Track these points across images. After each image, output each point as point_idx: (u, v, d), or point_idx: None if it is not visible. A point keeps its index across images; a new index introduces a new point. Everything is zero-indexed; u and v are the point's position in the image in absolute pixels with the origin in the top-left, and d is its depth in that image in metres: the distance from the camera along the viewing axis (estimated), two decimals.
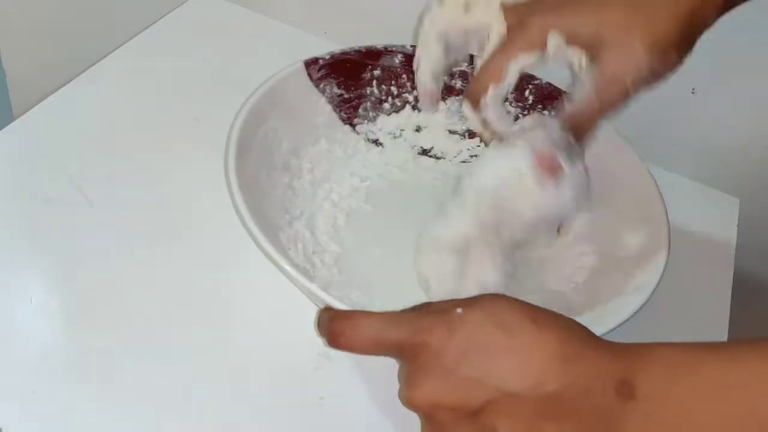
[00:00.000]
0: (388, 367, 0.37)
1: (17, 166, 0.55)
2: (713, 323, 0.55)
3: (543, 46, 0.44)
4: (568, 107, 0.45)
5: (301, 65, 0.56)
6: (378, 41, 0.60)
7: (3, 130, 0.56)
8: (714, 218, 0.64)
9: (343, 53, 0.58)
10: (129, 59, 0.65)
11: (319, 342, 0.37)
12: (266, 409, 0.44)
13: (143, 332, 0.47)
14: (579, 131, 0.45)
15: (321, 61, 0.57)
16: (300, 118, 0.56)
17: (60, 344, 0.46)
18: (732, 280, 0.59)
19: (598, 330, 0.35)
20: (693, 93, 0.63)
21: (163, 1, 0.72)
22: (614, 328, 0.42)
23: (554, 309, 0.35)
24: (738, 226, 0.64)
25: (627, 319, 0.43)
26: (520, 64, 0.45)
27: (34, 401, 0.42)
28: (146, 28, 0.68)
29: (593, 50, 0.43)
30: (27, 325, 0.46)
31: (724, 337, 0.54)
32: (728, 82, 0.62)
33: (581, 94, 0.44)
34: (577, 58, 0.44)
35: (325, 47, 0.64)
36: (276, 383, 0.46)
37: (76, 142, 0.57)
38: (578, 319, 0.34)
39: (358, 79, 0.59)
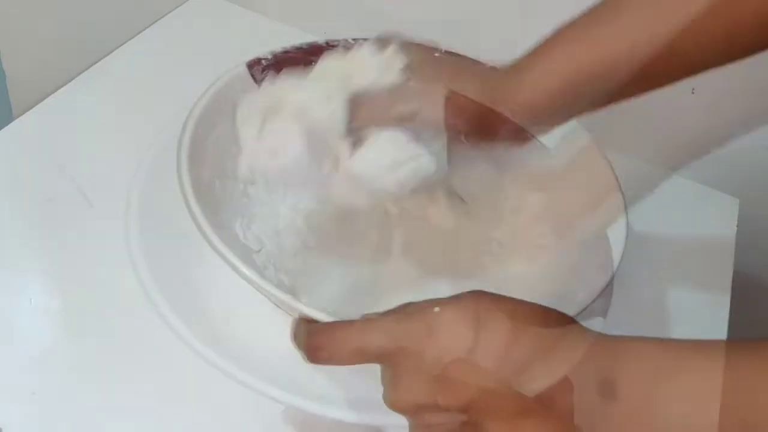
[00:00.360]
0: None
1: (17, 166, 0.55)
2: (713, 323, 0.55)
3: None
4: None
5: (243, 68, 0.55)
6: None
7: (3, 130, 0.56)
8: (714, 218, 0.64)
9: (285, 52, 0.57)
10: (128, 60, 0.65)
11: None
12: (267, 408, 0.44)
13: (143, 332, 0.46)
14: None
15: (264, 62, 0.56)
16: None
17: (59, 345, 0.46)
18: (731, 280, 0.59)
19: (570, 310, 0.35)
20: (693, 93, 0.63)
21: (162, 2, 0.72)
22: (585, 308, 0.42)
23: (517, 290, 0.35)
24: (737, 226, 0.64)
25: (595, 299, 0.43)
26: None
27: (34, 401, 0.42)
28: (146, 28, 0.68)
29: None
30: (26, 326, 0.46)
31: (724, 337, 0.54)
32: (728, 82, 0.62)
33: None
34: None
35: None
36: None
37: (75, 142, 0.57)
38: (546, 301, 0.34)
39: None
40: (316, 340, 0.35)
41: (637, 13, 0.41)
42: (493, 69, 0.46)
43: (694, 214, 0.61)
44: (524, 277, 0.49)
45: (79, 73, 0.62)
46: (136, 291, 0.49)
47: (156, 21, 0.69)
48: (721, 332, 0.55)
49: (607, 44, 0.42)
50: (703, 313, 0.56)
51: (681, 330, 0.53)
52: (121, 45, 0.66)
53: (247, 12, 0.73)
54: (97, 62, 0.64)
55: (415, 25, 0.72)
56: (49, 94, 0.60)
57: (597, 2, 0.43)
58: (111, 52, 0.65)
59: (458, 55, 0.50)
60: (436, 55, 0.49)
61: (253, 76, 0.55)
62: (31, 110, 0.58)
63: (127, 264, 0.50)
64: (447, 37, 0.71)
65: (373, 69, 0.45)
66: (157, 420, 0.43)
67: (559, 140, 0.50)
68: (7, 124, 0.57)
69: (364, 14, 0.71)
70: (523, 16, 0.66)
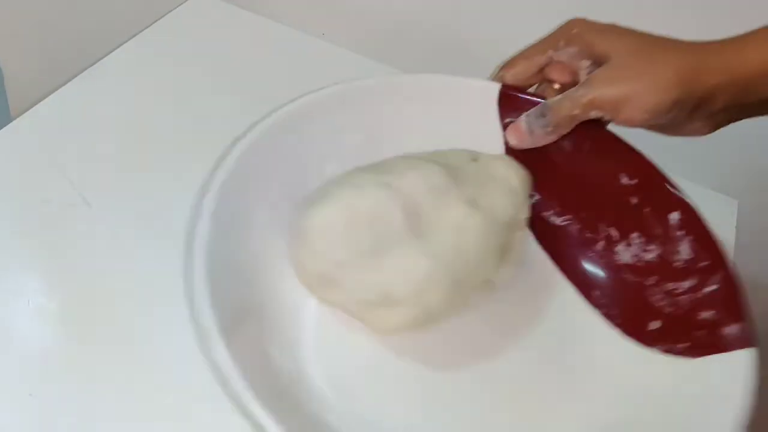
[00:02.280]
0: None
1: (15, 167, 0.55)
2: None
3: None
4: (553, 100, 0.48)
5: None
6: (376, 42, 0.60)
7: (1, 130, 0.56)
8: (712, 220, 0.63)
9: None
10: (127, 60, 0.65)
11: None
12: None
13: (142, 333, 0.46)
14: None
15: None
16: None
17: (58, 346, 0.46)
18: None
19: None
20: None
21: (162, 2, 0.72)
22: None
23: None
24: (736, 227, 0.64)
25: None
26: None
27: (32, 403, 0.42)
28: (145, 28, 0.68)
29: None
30: (24, 327, 0.46)
31: None
32: None
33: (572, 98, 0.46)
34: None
35: (323, 48, 0.64)
36: None
37: (74, 142, 0.57)
38: None
39: None
40: None
41: None
42: (686, 43, 0.45)
43: None
44: None
45: (79, 73, 0.62)
46: (135, 291, 0.49)
47: (156, 21, 0.69)
48: None
49: None
50: None
51: None
52: (121, 45, 0.66)
53: (246, 13, 0.73)
54: (97, 62, 0.64)
55: (414, 25, 0.72)
56: (47, 95, 0.60)
57: None
58: (110, 52, 0.65)
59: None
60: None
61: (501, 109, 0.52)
62: (29, 110, 0.58)
63: (126, 264, 0.50)
64: (446, 36, 0.71)
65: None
66: (156, 421, 0.43)
67: None
68: (5, 125, 0.57)
69: (363, 14, 0.71)
70: (523, 11, 0.66)
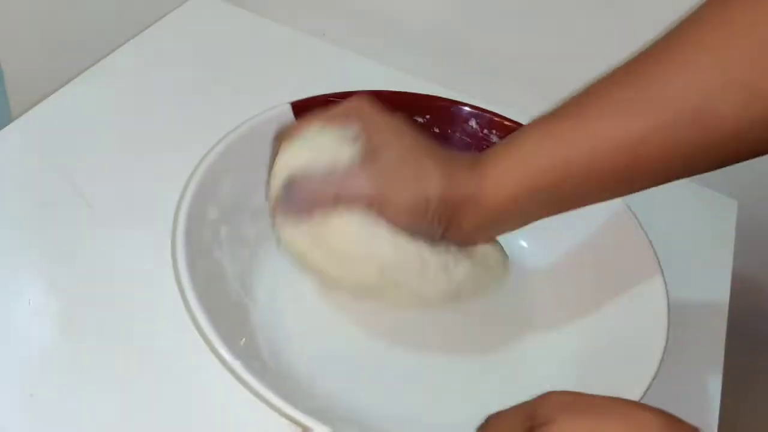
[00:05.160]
0: None
1: (15, 167, 0.55)
2: (712, 324, 0.55)
3: None
4: None
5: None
6: (376, 43, 0.60)
7: (1, 130, 0.56)
8: (712, 220, 0.64)
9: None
10: (128, 60, 0.65)
11: None
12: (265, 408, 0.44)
13: (142, 333, 0.47)
14: None
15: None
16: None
17: (58, 346, 0.46)
18: (730, 282, 0.59)
19: None
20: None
21: (162, 3, 0.72)
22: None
23: None
24: (736, 228, 0.64)
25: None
26: None
27: (33, 403, 0.42)
28: (145, 29, 0.68)
29: None
30: (25, 327, 0.46)
31: (723, 339, 0.54)
32: None
33: None
34: None
35: (323, 49, 0.64)
36: None
37: (74, 143, 0.57)
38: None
39: None
40: None
41: (599, 119, 0.40)
42: (453, 159, 0.43)
43: (693, 216, 0.61)
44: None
45: (79, 73, 0.62)
46: (135, 291, 0.49)
47: (156, 21, 0.69)
48: (720, 333, 0.55)
49: (567, 149, 0.41)
50: (702, 314, 0.56)
51: (680, 331, 0.53)
52: (121, 45, 0.66)
53: (247, 13, 0.73)
54: (97, 62, 0.64)
55: (414, 26, 0.72)
56: (48, 95, 0.60)
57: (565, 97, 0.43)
58: (111, 52, 0.65)
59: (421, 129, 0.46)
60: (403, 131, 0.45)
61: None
62: (29, 111, 0.58)
63: (126, 264, 0.50)
64: (445, 36, 0.71)
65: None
66: (155, 421, 0.43)
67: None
68: (6, 125, 0.57)
69: (362, 15, 0.71)
70: (523, 12, 0.66)
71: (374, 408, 0.45)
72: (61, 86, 0.61)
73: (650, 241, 0.49)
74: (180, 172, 0.56)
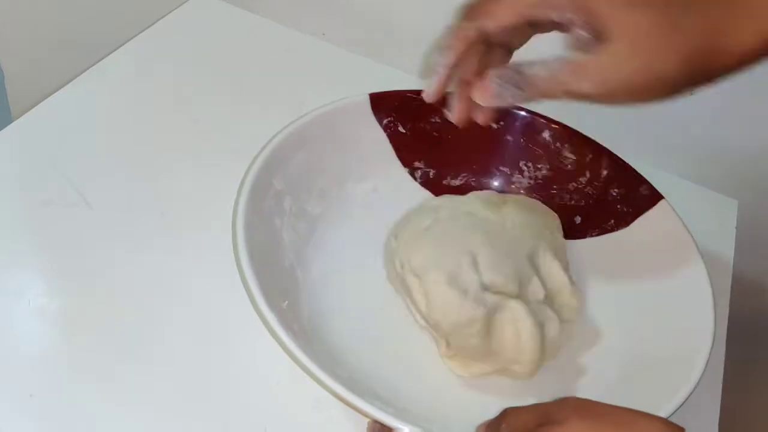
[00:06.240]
0: None
1: (16, 167, 0.55)
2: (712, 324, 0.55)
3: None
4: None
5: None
6: (376, 43, 0.60)
7: (2, 131, 0.56)
8: (712, 220, 0.64)
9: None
10: (128, 61, 0.65)
11: None
12: (265, 409, 0.44)
13: (141, 333, 0.47)
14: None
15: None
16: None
17: (58, 346, 0.46)
18: (731, 281, 0.59)
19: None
20: (691, 93, 0.62)
21: (162, 3, 0.72)
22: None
23: None
24: (736, 227, 0.64)
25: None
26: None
27: (33, 403, 0.42)
28: (145, 29, 0.68)
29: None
30: (25, 327, 0.46)
31: (723, 339, 0.54)
32: (727, 82, 0.62)
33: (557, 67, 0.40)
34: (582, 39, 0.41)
35: (323, 48, 0.64)
36: (274, 392, 0.46)
37: (74, 143, 0.57)
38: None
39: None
40: None
41: None
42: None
43: (693, 216, 0.61)
44: None
45: (79, 74, 0.62)
46: (135, 291, 0.49)
47: (156, 21, 0.69)
48: (720, 333, 0.55)
49: None
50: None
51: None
52: (121, 45, 0.66)
53: (246, 13, 0.73)
54: (97, 62, 0.64)
55: (413, 25, 0.72)
56: (48, 95, 0.60)
57: None
58: (111, 52, 0.65)
59: None
60: None
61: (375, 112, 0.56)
62: (29, 111, 0.58)
63: (126, 264, 0.50)
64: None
65: None
66: (155, 421, 0.43)
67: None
68: (5, 125, 0.57)
69: (362, 15, 0.71)
70: None
71: (402, 393, 0.45)
72: (61, 86, 0.61)
73: (709, 274, 0.51)
74: (180, 171, 0.57)
